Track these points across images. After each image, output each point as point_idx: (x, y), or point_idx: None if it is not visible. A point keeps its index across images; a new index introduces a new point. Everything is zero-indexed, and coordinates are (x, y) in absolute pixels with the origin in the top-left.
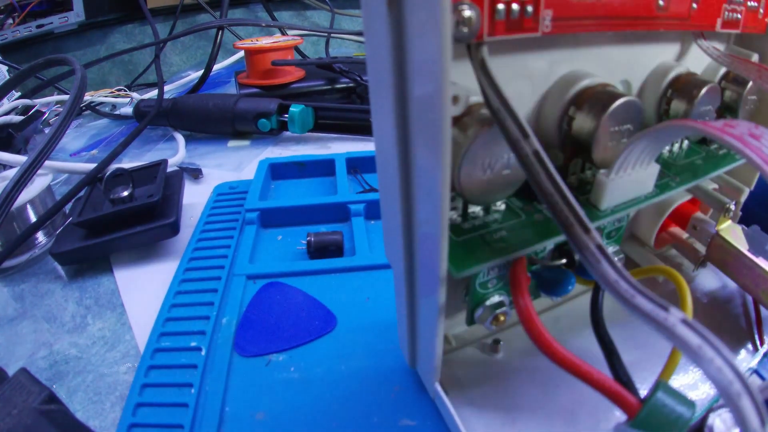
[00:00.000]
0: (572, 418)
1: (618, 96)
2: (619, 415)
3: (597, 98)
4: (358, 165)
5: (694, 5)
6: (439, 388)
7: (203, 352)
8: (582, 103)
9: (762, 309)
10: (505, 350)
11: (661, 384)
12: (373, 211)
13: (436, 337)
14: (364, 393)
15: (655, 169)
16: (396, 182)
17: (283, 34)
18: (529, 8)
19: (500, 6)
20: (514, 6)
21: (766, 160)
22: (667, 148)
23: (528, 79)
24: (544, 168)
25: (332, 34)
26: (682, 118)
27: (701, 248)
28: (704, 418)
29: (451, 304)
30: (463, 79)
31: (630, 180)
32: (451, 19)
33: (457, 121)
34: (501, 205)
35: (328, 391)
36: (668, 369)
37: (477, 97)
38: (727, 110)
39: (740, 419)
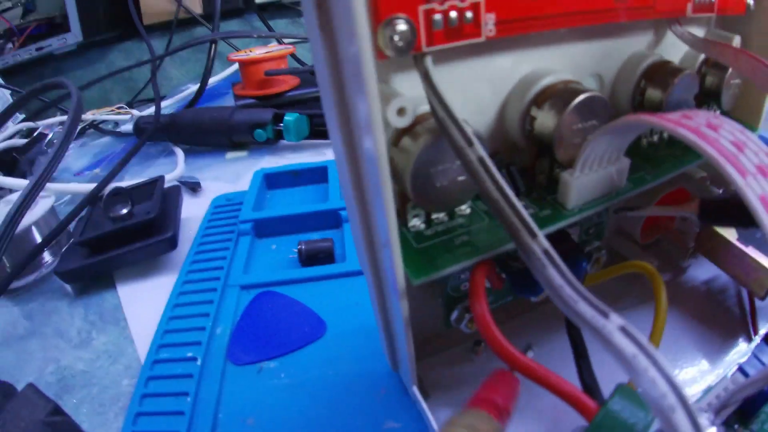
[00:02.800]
0: (556, 419)
1: (580, 92)
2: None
3: (558, 96)
4: None
5: None
6: (416, 391)
7: (199, 362)
8: (542, 102)
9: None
10: (487, 351)
11: (620, 388)
12: None
13: (406, 344)
14: (350, 397)
15: (625, 163)
16: (352, 197)
17: (279, 42)
18: (469, 14)
19: (437, 16)
20: (452, 14)
21: (722, 152)
22: (646, 139)
23: (487, 81)
24: (489, 175)
25: None
26: (637, 113)
27: (690, 239)
28: None
29: (430, 305)
30: (413, 89)
31: (598, 176)
32: (370, 37)
33: (408, 131)
34: (466, 210)
35: (316, 396)
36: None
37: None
38: (709, 96)
39: None
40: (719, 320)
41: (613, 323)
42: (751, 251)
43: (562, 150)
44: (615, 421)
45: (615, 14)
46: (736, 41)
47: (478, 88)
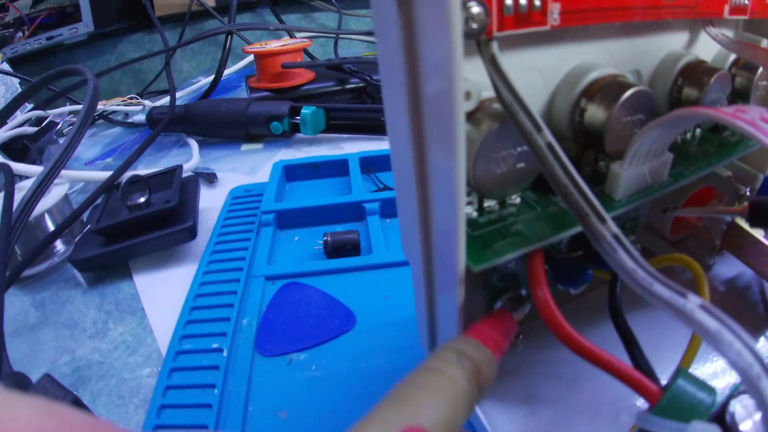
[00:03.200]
0: (593, 410)
1: (629, 86)
2: (639, 406)
3: (608, 89)
4: (372, 164)
5: None
6: None
7: (225, 353)
8: (593, 94)
9: None
10: (525, 343)
11: (681, 371)
12: (388, 210)
13: (456, 333)
14: (385, 389)
15: (668, 158)
16: (411, 180)
17: (292, 36)
18: (537, 2)
19: (508, 1)
20: (522, 0)
21: None
22: (680, 136)
23: (538, 72)
24: (558, 160)
25: (340, 35)
26: (694, 106)
27: (717, 236)
28: (725, 405)
29: (469, 299)
30: (474, 75)
31: (644, 169)
32: (461, 16)
33: (469, 116)
34: (516, 199)
35: (350, 389)
36: (688, 357)
37: (488, 92)
38: (738, 97)
39: (761, 402)
40: (744, 317)
41: (692, 302)
42: None
43: (611, 142)
44: (680, 402)
45: (663, 12)
46: (764, 44)
47: (529, 79)
